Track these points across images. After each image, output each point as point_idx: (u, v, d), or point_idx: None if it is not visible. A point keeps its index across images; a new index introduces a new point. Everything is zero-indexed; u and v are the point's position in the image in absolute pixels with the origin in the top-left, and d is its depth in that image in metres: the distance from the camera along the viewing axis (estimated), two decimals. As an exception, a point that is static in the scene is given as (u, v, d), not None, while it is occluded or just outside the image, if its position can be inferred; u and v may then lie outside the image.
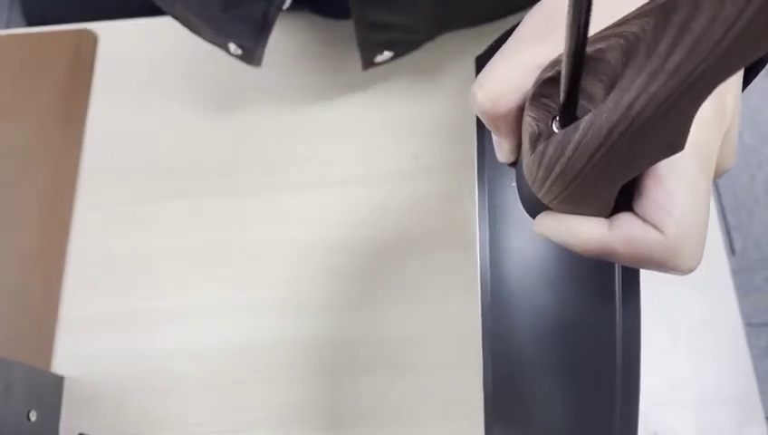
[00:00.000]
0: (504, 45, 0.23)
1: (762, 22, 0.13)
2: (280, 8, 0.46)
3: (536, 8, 0.24)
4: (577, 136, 0.18)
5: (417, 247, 0.49)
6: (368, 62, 0.50)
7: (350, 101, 0.54)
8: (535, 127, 0.21)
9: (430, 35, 0.51)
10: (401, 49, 0.50)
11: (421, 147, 0.53)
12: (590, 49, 0.18)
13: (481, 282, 0.24)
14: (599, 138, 0.17)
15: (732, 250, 1.19)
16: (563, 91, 0.18)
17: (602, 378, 0.23)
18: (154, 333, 0.48)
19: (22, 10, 0.70)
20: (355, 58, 0.50)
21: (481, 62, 0.24)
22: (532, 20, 0.24)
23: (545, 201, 0.22)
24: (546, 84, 0.20)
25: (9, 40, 0.59)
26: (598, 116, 0.17)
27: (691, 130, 0.18)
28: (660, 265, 0.21)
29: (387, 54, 0.49)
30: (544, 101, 0.21)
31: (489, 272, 0.24)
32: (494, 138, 0.24)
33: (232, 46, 0.49)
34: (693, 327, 0.46)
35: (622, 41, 0.17)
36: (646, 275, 0.23)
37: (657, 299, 0.46)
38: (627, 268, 0.24)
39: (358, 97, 0.54)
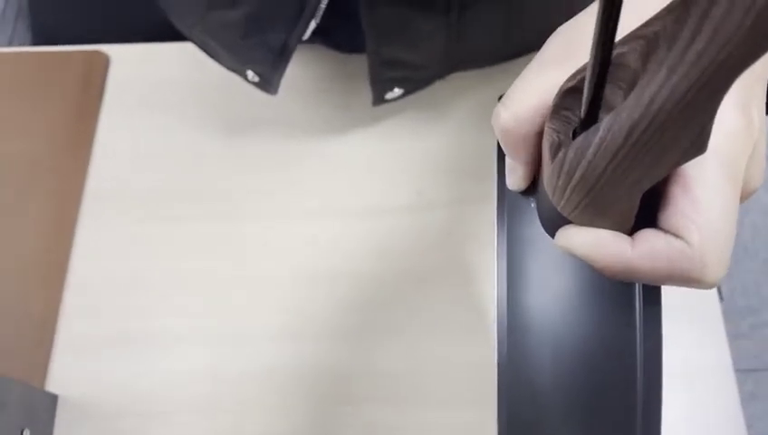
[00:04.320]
0: (525, 69, 0.24)
1: None
2: (300, 38, 0.46)
3: (556, 34, 0.25)
4: (597, 138, 0.18)
5: (416, 281, 0.50)
6: (378, 99, 0.51)
7: (357, 135, 0.55)
8: (556, 137, 0.21)
9: (440, 74, 0.52)
10: (412, 87, 0.51)
11: (425, 183, 0.53)
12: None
13: (498, 308, 0.24)
14: (620, 138, 0.17)
15: (720, 296, 1.20)
16: (587, 93, 0.18)
17: (622, 412, 0.23)
18: (150, 356, 0.48)
19: (30, 24, 0.70)
20: (365, 93, 0.51)
21: None
22: (552, 45, 0.24)
23: (565, 213, 0.21)
24: (567, 95, 0.21)
25: (21, 58, 0.60)
26: (618, 115, 0.17)
27: (718, 139, 0.17)
28: (684, 277, 0.21)
29: (397, 91, 0.50)
30: (565, 113, 0.21)
31: (506, 297, 0.24)
32: (508, 163, 0.24)
33: (250, 73, 0.49)
34: (685, 370, 0.47)
35: (642, 41, 0.17)
36: None
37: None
38: (648, 293, 0.23)
39: (365, 131, 0.55)
